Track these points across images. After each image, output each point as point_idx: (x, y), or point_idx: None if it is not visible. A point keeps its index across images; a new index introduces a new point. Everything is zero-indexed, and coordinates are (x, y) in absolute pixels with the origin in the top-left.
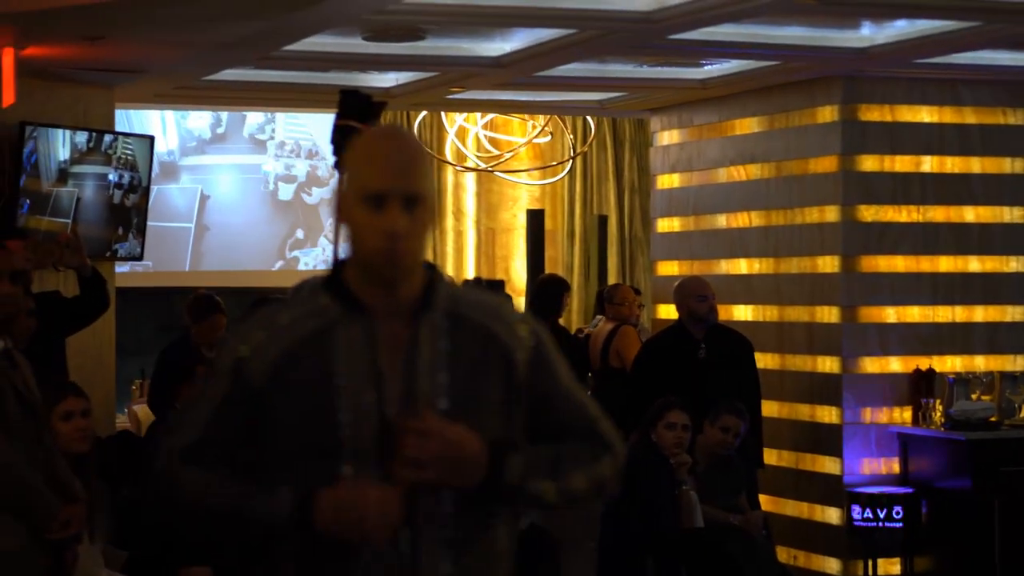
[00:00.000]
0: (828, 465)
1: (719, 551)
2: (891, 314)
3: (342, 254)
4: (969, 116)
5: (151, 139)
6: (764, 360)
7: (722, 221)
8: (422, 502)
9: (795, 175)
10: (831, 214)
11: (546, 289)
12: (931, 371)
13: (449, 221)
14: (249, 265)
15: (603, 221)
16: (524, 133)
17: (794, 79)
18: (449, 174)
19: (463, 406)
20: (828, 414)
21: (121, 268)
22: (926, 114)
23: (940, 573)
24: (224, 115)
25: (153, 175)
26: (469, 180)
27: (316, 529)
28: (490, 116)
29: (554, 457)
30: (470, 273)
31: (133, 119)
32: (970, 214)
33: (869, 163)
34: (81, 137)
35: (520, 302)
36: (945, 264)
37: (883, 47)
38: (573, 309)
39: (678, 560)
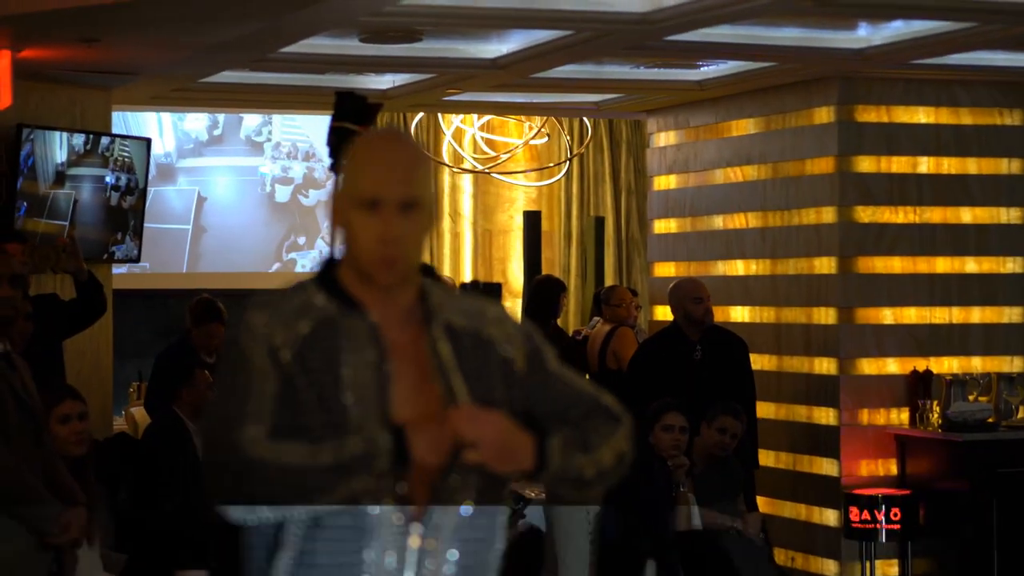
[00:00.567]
0: (825, 466)
1: (717, 553)
2: (888, 315)
3: (336, 255)
4: (965, 117)
5: (148, 141)
6: (761, 361)
7: (719, 222)
8: (443, 494)
9: (792, 176)
10: (828, 215)
11: (543, 291)
12: (928, 372)
13: (446, 223)
14: (246, 267)
15: (600, 223)
16: (521, 135)
17: (790, 80)
18: (446, 176)
19: (479, 393)
20: (825, 415)
21: (118, 270)
22: (923, 115)
23: (938, 574)
24: (221, 117)
25: (150, 177)
26: (466, 182)
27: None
28: (487, 118)
29: (580, 434)
30: (467, 275)
31: (130, 121)
32: (967, 215)
33: (866, 164)
34: (78, 139)
35: (517, 304)
36: (942, 265)
37: (879, 48)
38: (570, 311)
39: (676, 562)
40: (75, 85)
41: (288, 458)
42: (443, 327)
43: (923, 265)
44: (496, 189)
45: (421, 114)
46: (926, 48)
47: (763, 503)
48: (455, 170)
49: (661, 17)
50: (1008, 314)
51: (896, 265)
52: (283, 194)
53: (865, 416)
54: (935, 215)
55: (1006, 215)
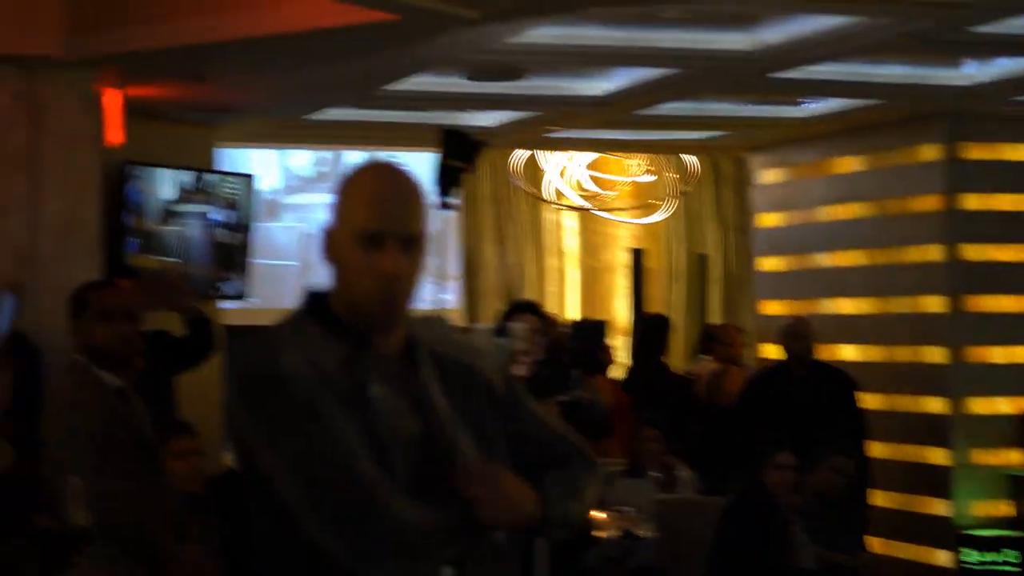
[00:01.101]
0: (938, 507)
1: None
2: (999, 354)
3: (321, 288)
4: None
5: (254, 178)
6: (871, 400)
7: (824, 260)
8: (470, 544)
9: (897, 213)
10: (935, 253)
11: (652, 328)
12: None
13: (551, 260)
14: None
15: (704, 260)
16: (625, 172)
17: (895, 117)
18: (550, 213)
19: (471, 434)
20: (937, 455)
21: (226, 306)
22: None
23: None
24: (326, 154)
25: (257, 213)
26: (571, 220)
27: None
28: (592, 156)
29: (570, 481)
30: (573, 313)
31: (235, 158)
32: None
33: (973, 201)
34: (184, 176)
35: (623, 341)
36: None
37: (985, 85)
38: (675, 348)
39: None
40: (181, 122)
41: (410, 514)
42: (429, 356)
43: None
44: (601, 227)
45: (522, 151)
46: None
47: (875, 543)
48: (559, 208)
49: (766, 55)
50: None
51: (1006, 303)
52: None
53: (977, 456)
54: None
55: None
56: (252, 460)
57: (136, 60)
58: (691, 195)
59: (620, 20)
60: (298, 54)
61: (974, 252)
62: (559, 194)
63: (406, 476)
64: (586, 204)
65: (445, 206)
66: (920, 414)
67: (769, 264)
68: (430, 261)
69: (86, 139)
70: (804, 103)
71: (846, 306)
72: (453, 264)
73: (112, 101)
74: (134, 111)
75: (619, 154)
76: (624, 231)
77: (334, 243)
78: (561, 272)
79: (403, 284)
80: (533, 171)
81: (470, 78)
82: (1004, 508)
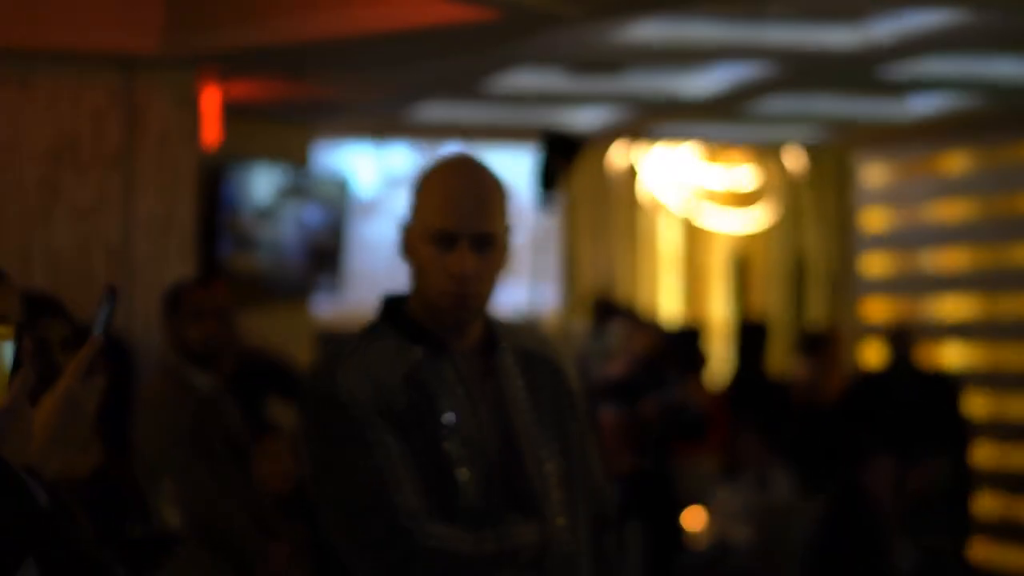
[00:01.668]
0: None
1: None
2: None
3: (398, 292)
4: None
5: (348, 177)
6: (976, 403)
7: (930, 259)
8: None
9: (1004, 211)
10: None
11: (750, 332)
12: None
13: (649, 261)
14: None
15: (804, 260)
16: (727, 171)
17: (1003, 113)
18: (649, 214)
19: (552, 435)
20: None
21: (321, 306)
22: None
23: None
24: (423, 153)
25: (352, 213)
26: (669, 219)
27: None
28: (694, 154)
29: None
30: (670, 314)
31: (331, 157)
32: None
33: None
34: (280, 175)
35: (722, 346)
36: None
37: None
38: (775, 350)
39: None
40: (278, 121)
41: (456, 545)
42: (511, 356)
43: None
44: (700, 227)
45: (622, 150)
46: None
47: (979, 547)
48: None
49: (873, 51)
50: None
51: None
52: None
53: None
54: None
55: None
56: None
57: (234, 58)
58: (793, 194)
59: (725, 16)
60: (397, 52)
61: None
62: (659, 193)
63: (479, 491)
64: (686, 203)
65: (544, 205)
66: None
67: (872, 264)
68: (527, 261)
69: (182, 138)
70: (913, 99)
71: (951, 306)
72: (551, 264)
73: (209, 100)
74: (231, 110)
75: (721, 152)
76: (724, 231)
77: (410, 241)
78: (659, 273)
79: (476, 284)
80: (633, 169)
81: (569, 75)
82: None
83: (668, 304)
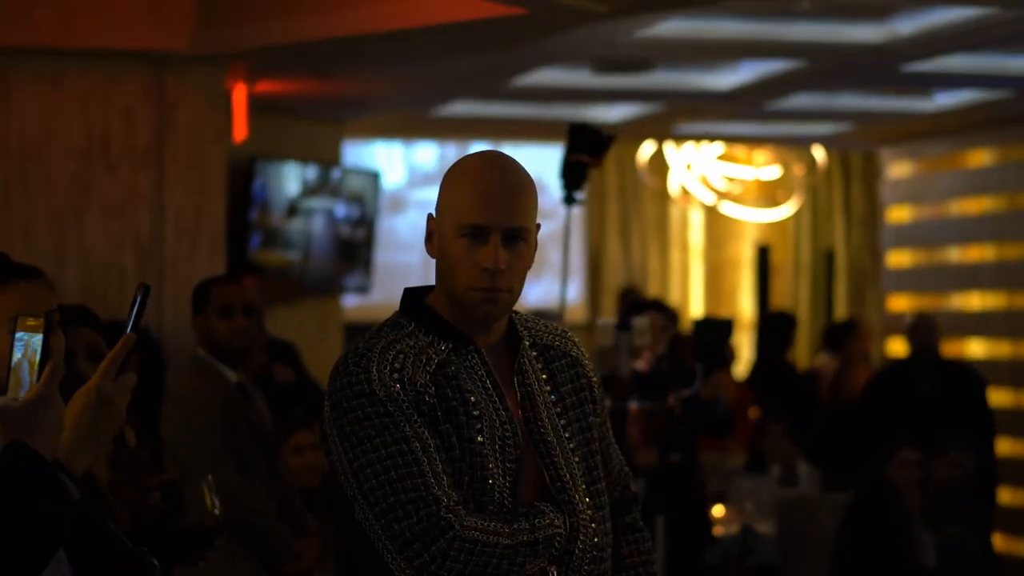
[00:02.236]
0: None
1: None
2: None
3: (420, 286)
4: None
5: (378, 173)
6: (1000, 397)
7: (954, 254)
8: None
9: None
10: None
11: (776, 325)
12: None
13: (676, 255)
14: None
15: (830, 255)
16: (753, 166)
17: None
18: (676, 208)
19: (576, 428)
20: None
21: (350, 301)
22: None
23: None
24: (452, 149)
25: (381, 209)
26: (695, 214)
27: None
28: (719, 149)
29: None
30: (697, 308)
31: (360, 153)
32: None
33: None
34: (310, 172)
35: (748, 337)
36: None
37: None
38: (800, 344)
39: None
40: (307, 118)
41: (494, 537)
42: (532, 349)
43: None
44: (726, 221)
45: (649, 145)
46: None
47: (1003, 541)
48: (684, 203)
49: (898, 47)
50: None
51: None
52: None
53: None
54: None
55: None
56: (338, 477)
57: (264, 56)
58: (818, 189)
59: (750, 13)
60: (425, 49)
61: None
62: (685, 189)
63: (508, 484)
64: (712, 199)
65: (571, 201)
66: None
67: (897, 259)
68: (553, 256)
69: (212, 135)
70: (937, 95)
71: (975, 301)
72: (577, 259)
73: (239, 97)
74: (261, 107)
75: (746, 148)
76: (750, 226)
77: (438, 234)
78: (686, 267)
79: (505, 279)
80: (659, 165)
81: (597, 71)
82: None
83: (696, 298)
